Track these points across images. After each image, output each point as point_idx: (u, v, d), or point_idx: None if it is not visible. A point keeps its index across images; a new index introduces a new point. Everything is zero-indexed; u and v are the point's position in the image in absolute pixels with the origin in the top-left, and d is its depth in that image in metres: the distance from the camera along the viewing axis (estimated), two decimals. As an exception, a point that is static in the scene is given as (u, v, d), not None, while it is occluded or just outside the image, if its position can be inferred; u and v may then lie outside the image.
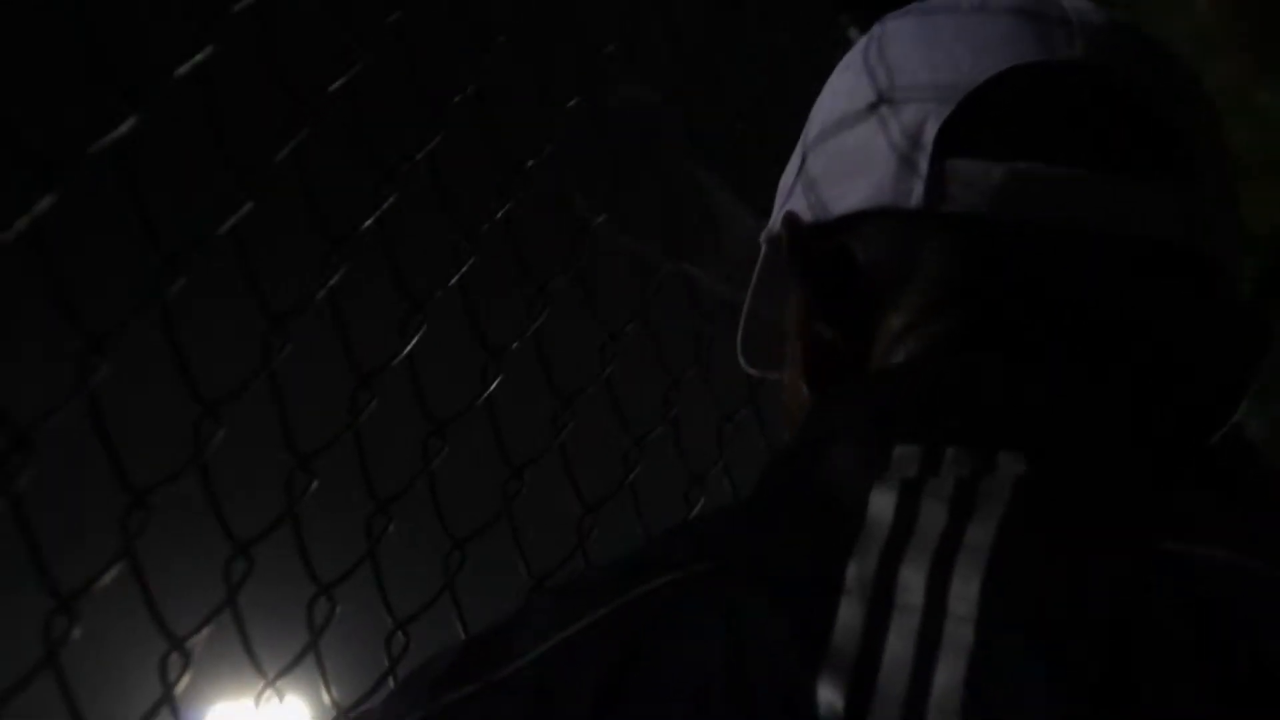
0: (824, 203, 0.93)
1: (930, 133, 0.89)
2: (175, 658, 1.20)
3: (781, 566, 0.78)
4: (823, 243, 0.91)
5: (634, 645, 0.76)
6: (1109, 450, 0.83)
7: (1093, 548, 0.76)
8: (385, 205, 1.46)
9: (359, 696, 1.39)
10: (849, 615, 0.74)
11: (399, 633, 1.46)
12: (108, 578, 1.11)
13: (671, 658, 0.75)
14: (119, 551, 1.14)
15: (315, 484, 1.35)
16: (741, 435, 1.91)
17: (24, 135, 1.05)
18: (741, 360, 1.05)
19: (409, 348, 1.47)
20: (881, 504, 0.79)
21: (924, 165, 0.89)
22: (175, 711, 1.18)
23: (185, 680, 1.19)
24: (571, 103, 1.73)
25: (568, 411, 1.68)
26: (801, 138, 0.98)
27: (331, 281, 1.39)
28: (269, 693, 1.34)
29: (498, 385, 1.58)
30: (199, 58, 1.21)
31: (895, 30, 0.95)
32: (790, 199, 0.95)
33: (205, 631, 1.22)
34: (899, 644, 0.73)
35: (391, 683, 1.42)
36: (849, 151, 0.92)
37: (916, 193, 0.88)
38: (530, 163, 1.66)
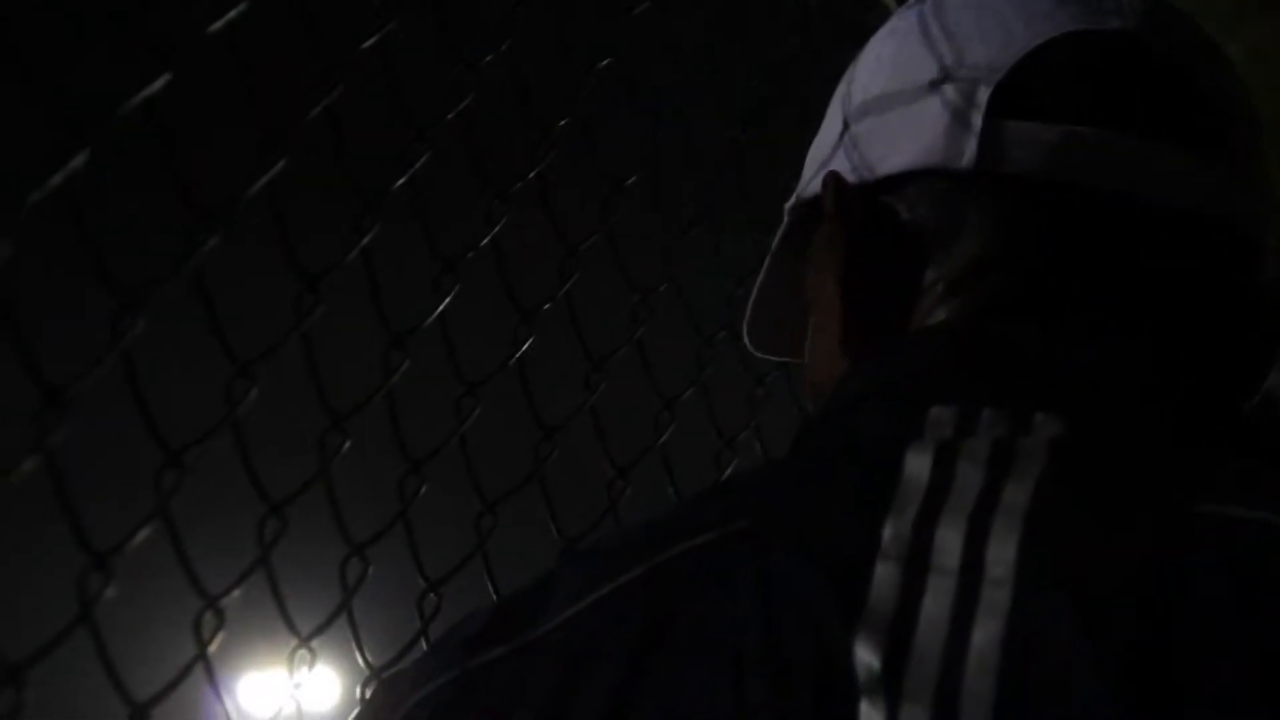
0: (869, 163, 0.93)
1: (984, 94, 0.89)
2: (209, 616, 1.20)
3: (817, 527, 0.77)
4: (867, 202, 0.91)
5: (667, 606, 0.76)
6: (1145, 413, 0.83)
7: (1129, 509, 0.76)
8: (418, 165, 1.46)
9: (391, 658, 1.39)
10: (885, 576, 0.74)
11: (431, 594, 1.46)
12: (141, 536, 1.11)
13: (706, 618, 0.75)
14: (153, 510, 1.14)
15: (348, 444, 1.35)
16: (772, 399, 1.91)
17: (57, 94, 1.05)
18: (746, 341, 1.05)
19: (441, 307, 1.47)
20: (917, 465, 0.79)
21: (978, 122, 0.89)
22: (210, 670, 1.19)
23: (218, 640, 1.19)
24: (603, 64, 1.72)
25: (599, 373, 1.68)
26: (839, 100, 0.97)
27: (364, 242, 1.38)
28: (301, 653, 1.34)
29: (529, 346, 1.58)
30: (232, 14, 1.21)
31: None
32: (832, 160, 0.95)
33: (238, 591, 1.22)
34: (935, 605, 0.73)
35: (424, 644, 1.42)
36: (899, 114, 0.92)
37: (969, 152, 0.89)
38: (562, 122, 1.66)
